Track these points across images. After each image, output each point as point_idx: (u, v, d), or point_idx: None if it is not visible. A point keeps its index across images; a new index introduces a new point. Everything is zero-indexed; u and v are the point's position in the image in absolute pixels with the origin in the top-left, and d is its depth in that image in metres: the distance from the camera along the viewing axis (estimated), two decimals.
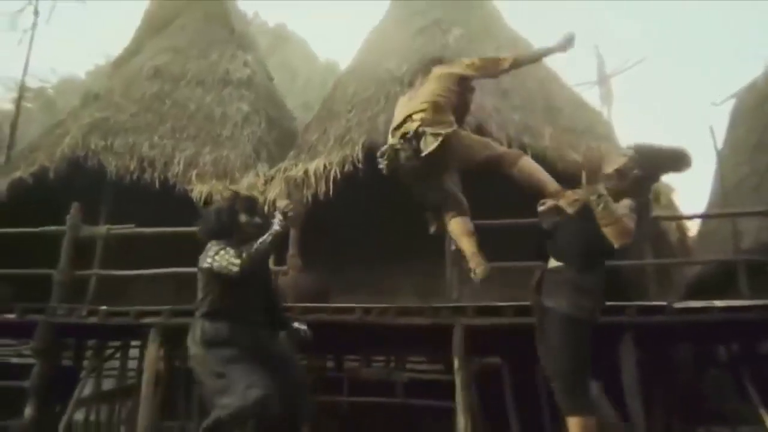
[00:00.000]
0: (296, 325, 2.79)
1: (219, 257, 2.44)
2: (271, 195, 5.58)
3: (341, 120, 6.03)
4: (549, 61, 7.16)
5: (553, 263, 2.28)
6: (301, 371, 2.65)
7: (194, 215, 5.52)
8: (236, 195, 3.03)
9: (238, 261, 2.38)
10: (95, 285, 5.34)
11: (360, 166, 5.30)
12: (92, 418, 4.92)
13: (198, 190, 5.80)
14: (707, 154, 7.44)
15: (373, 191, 5.75)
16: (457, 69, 2.48)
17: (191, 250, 5.62)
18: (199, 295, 2.56)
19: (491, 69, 2.52)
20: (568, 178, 4.94)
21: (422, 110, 2.31)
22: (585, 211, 2.17)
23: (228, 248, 2.45)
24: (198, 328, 2.47)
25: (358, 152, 5.37)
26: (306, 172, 5.55)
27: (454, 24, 6.61)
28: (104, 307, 4.07)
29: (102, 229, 4.90)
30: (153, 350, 3.93)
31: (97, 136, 6.16)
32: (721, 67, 34.13)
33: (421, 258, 5.56)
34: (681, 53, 35.06)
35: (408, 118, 2.36)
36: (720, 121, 9.75)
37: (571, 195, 2.27)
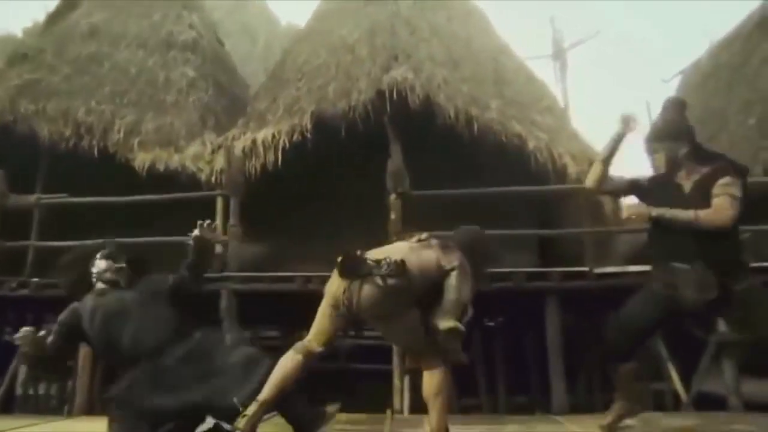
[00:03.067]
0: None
1: None
2: (218, 165, 5.45)
3: (291, 88, 5.89)
4: (503, 33, 7.18)
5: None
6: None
7: (138, 185, 5.34)
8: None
9: None
10: (35, 257, 5.10)
11: (309, 135, 5.23)
12: (31, 392, 4.82)
13: (140, 159, 5.57)
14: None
15: (323, 161, 5.72)
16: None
17: (134, 219, 5.45)
18: None
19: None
20: (512, 150, 5.12)
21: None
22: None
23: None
24: None
25: (307, 121, 5.28)
26: (254, 141, 5.43)
27: None
28: (36, 279, 3.93)
29: (31, 198, 4.66)
30: None
31: (26, 99, 5.75)
32: (677, 41, 35.19)
33: (372, 226, 5.63)
34: (639, 27, 35.80)
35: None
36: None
37: None
